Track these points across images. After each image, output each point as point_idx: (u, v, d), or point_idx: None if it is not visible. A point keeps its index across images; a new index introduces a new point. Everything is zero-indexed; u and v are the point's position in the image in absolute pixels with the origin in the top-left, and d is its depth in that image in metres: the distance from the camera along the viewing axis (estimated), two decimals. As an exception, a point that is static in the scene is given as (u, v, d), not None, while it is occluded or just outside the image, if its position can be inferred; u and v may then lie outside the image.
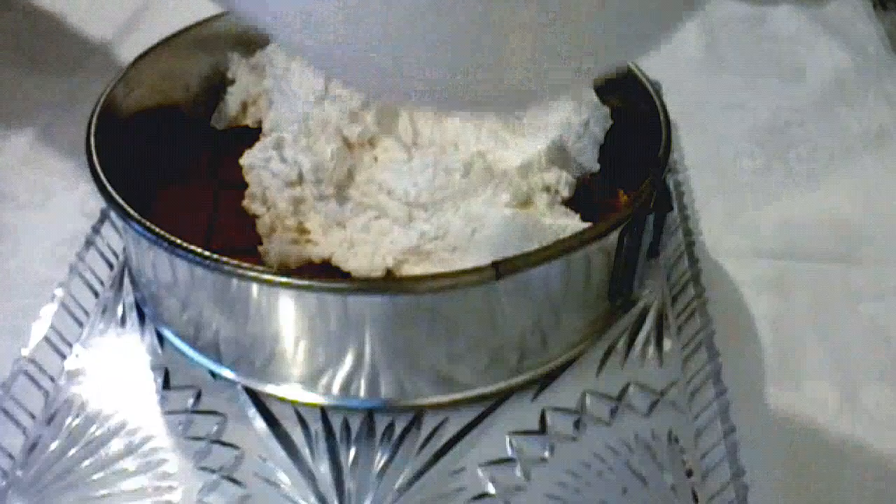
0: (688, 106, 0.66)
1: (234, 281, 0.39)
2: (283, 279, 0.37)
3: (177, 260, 0.40)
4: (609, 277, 0.44)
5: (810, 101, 0.70)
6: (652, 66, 0.51)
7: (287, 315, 0.40)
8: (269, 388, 0.43)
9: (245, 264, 0.38)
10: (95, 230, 0.51)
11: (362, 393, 0.42)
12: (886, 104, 0.69)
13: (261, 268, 0.38)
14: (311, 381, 0.42)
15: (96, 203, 0.51)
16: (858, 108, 0.69)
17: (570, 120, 0.46)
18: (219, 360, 0.44)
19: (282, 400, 0.43)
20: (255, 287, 0.39)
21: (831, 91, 0.71)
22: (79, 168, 0.43)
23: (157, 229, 0.39)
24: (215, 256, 0.38)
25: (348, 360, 0.41)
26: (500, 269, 0.37)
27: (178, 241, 0.39)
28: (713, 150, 0.64)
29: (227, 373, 0.44)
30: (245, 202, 0.46)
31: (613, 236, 0.42)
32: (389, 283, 0.41)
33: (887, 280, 0.53)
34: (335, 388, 0.42)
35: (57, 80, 0.70)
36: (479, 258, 0.39)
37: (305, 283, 0.38)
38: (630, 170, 0.45)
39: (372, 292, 0.38)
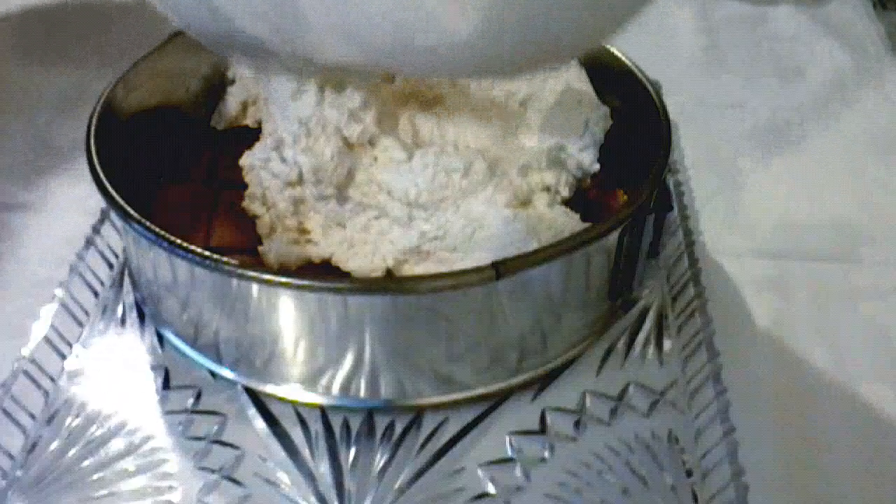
0: (688, 106, 0.66)
1: (234, 281, 0.39)
2: (283, 279, 0.37)
3: (177, 260, 0.40)
4: (609, 277, 0.44)
5: (810, 101, 0.70)
6: (652, 66, 0.51)
7: (287, 315, 0.40)
8: (269, 388, 0.43)
9: (245, 264, 0.38)
10: (95, 230, 0.51)
11: (362, 393, 0.42)
12: (886, 104, 0.69)
13: (261, 268, 0.38)
14: (311, 381, 0.42)
15: (96, 203, 0.51)
16: (858, 108, 0.69)
17: (570, 120, 0.46)
18: (219, 360, 0.44)
19: (282, 400, 0.43)
20: (255, 287, 0.39)
21: (831, 91, 0.71)
22: (79, 168, 0.42)
23: (157, 229, 0.39)
24: (215, 256, 0.38)
25: (348, 360, 0.41)
26: (500, 269, 0.37)
27: (178, 241, 0.39)
28: (713, 150, 0.64)
29: (227, 373, 0.44)
30: (245, 202, 0.46)
31: (613, 236, 0.42)
32: (389, 283, 0.41)
33: (887, 280, 0.53)
34: (335, 388, 0.42)
35: (57, 79, 0.70)
36: (479, 258, 0.39)
37: (305, 283, 0.38)
38: (630, 170, 0.45)
39: (372, 292, 0.38)
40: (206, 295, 0.41)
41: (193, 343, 0.45)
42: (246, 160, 0.46)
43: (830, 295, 0.52)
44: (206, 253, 0.38)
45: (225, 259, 0.38)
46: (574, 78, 0.49)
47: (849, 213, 0.58)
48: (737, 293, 0.52)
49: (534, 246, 0.40)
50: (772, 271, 0.54)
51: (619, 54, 0.51)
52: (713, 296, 0.48)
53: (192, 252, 0.38)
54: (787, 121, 0.67)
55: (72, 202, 0.58)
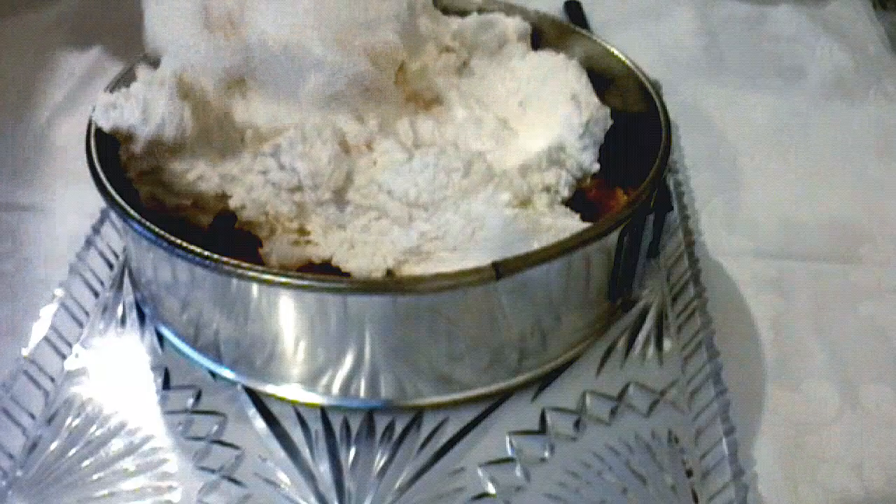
0: (688, 106, 0.66)
1: (234, 281, 0.39)
2: (283, 279, 0.37)
3: (177, 260, 0.40)
4: (609, 277, 0.44)
5: (810, 101, 0.70)
6: (652, 66, 0.51)
7: (287, 315, 0.40)
8: (269, 388, 0.43)
9: (245, 264, 0.37)
10: (95, 230, 0.51)
11: (362, 393, 0.42)
12: (886, 104, 0.69)
13: (261, 268, 0.38)
14: (311, 381, 0.42)
15: (96, 203, 0.51)
16: (858, 109, 0.69)
17: (570, 120, 0.46)
18: (219, 360, 0.44)
19: (282, 400, 0.43)
20: (255, 287, 0.39)
21: (831, 91, 0.71)
22: (79, 168, 0.43)
23: (157, 229, 0.39)
24: (215, 256, 0.38)
25: (348, 360, 0.41)
26: (500, 269, 0.37)
27: (178, 241, 0.39)
28: (713, 150, 0.64)
29: (227, 373, 0.44)
30: (237, 225, 0.45)
31: (613, 236, 0.42)
32: (389, 283, 0.41)
33: (887, 280, 0.53)
34: (335, 388, 0.42)
35: (57, 79, 0.70)
36: (479, 258, 0.39)
37: (305, 283, 0.38)
38: (630, 170, 0.45)
39: (372, 292, 0.38)
40: (206, 295, 0.41)
41: (193, 343, 0.45)
42: (234, 204, 0.44)
43: (830, 295, 0.52)
44: (206, 253, 0.38)
45: (225, 259, 0.38)
46: (574, 78, 0.49)
47: (849, 213, 0.59)
48: (737, 293, 0.52)
49: (534, 246, 0.40)
50: (772, 271, 0.54)
51: (619, 54, 0.51)
52: (713, 296, 0.48)
53: (192, 252, 0.38)
54: (787, 121, 0.67)
55: (72, 202, 0.58)
